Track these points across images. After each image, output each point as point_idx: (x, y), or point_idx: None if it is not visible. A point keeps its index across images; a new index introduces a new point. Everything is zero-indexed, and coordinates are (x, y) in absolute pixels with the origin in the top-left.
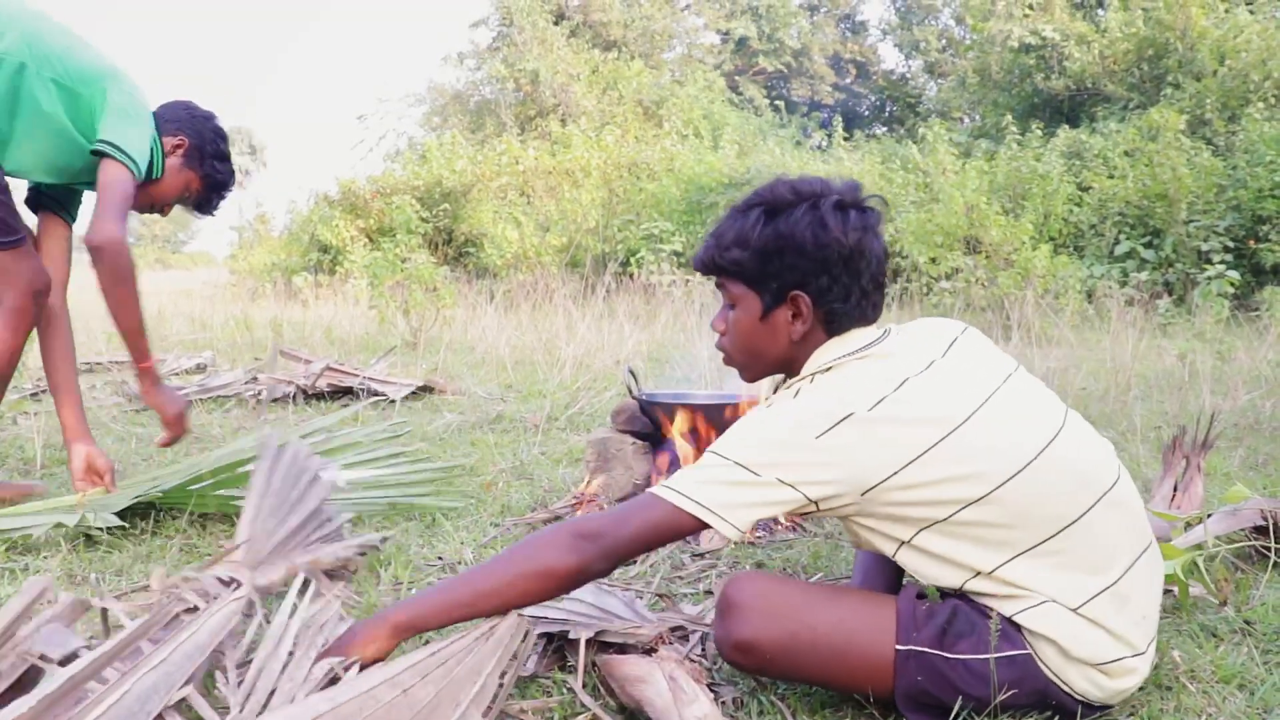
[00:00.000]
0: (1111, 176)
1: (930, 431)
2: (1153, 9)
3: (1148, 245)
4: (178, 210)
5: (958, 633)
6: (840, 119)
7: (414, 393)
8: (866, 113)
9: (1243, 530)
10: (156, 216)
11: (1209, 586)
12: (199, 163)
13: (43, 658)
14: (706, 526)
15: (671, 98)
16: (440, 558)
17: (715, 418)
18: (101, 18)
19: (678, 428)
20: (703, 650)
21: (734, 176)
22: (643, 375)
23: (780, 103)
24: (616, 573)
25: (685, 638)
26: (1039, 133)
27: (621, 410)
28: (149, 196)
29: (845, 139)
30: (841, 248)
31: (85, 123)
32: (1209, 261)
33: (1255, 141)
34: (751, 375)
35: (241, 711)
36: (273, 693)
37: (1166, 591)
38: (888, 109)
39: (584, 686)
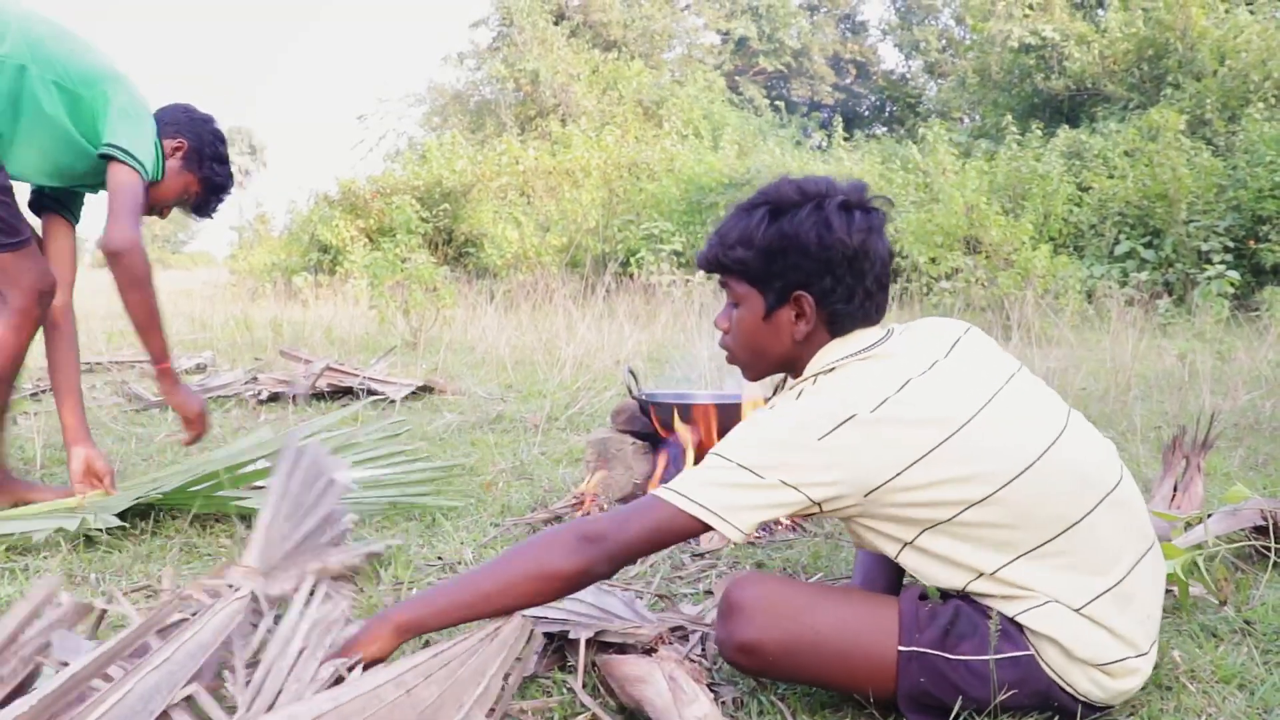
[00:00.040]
0: (1111, 176)
1: (933, 432)
2: (1153, 9)
3: (1148, 245)
4: (177, 211)
5: (960, 634)
6: (840, 119)
7: (414, 393)
8: (866, 113)
9: (1243, 530)
10: (155, 217)
11: (1209, 586)
12: (198, 165)
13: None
14: (709, 528)
15: (671, 98)
16: (440, 558)
17: (716, 418)
18: (101, 18)
19: (677, 428)
20: (703, 650)
21: (734, 177)
22: (643, 375)
23: (780, 103)
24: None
25: (685, 638)
26: (1039, 133)
27: (621, 410)
28: (149, 199)
29: (845, 139)
30: (845, 248)
31: (87, 125)
32: (1209, 261)
33: (1255, 141)
34: (754, 374)
35: (249, 710)
36: (280, 692)
37: (1167, 591)
38: (888, 109)
39: (584, 686)
